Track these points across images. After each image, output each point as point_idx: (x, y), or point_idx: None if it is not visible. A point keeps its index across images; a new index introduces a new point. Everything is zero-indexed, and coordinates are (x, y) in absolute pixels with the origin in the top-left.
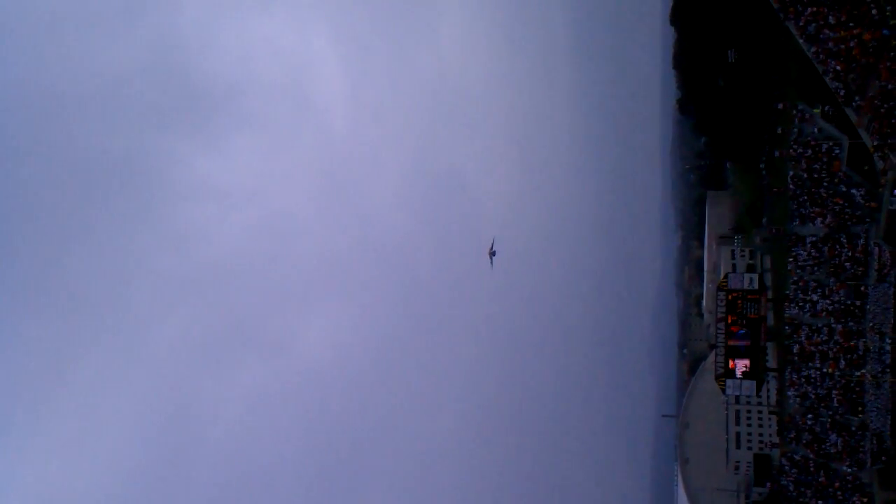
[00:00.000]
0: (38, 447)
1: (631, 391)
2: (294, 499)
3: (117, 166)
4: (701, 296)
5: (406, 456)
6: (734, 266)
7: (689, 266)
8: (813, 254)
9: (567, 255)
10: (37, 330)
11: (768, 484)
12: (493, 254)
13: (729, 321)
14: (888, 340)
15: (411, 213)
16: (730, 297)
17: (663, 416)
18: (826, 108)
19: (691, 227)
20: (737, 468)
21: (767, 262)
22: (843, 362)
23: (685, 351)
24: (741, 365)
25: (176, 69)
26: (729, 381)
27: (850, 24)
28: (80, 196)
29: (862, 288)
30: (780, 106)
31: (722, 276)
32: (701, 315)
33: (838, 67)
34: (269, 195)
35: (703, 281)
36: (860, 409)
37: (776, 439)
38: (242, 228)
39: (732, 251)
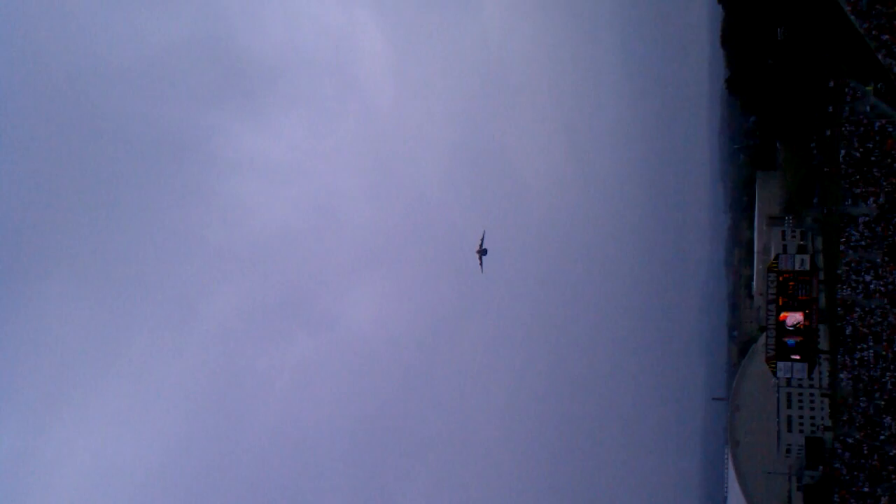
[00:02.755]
0: (93, 420)
1: (680, 374)
2: (339, 472)
3: (167, 141)
4: (751, 277)
5: (451, 435)
6: (785, 247)
7: (739, 248)
8: (865, 234)
9: (613, 238)
10: (89, 305)
11: (821, 467)
12: (482, 252)
13: (780, 303)
14: None
15: (457, 190)
16: (781, 278)
17: (713, 399)
18: (878, 85)
19: (741, 209)
20: (788, 452)
21: (819, 243)
22: None
23: (735, 333)
24: (793, 347)
25: (223, 44)
26: (780, 364)
27: None
28: (130, 171)
29: None
30: (832, 84)
31: (772, 258)
32: (751, 297)
33: (891, 43)
34: (315, 171)
35: (753, 262)
36: None
37: (828, 422)
38: (289, 204)
39: (783, 232)
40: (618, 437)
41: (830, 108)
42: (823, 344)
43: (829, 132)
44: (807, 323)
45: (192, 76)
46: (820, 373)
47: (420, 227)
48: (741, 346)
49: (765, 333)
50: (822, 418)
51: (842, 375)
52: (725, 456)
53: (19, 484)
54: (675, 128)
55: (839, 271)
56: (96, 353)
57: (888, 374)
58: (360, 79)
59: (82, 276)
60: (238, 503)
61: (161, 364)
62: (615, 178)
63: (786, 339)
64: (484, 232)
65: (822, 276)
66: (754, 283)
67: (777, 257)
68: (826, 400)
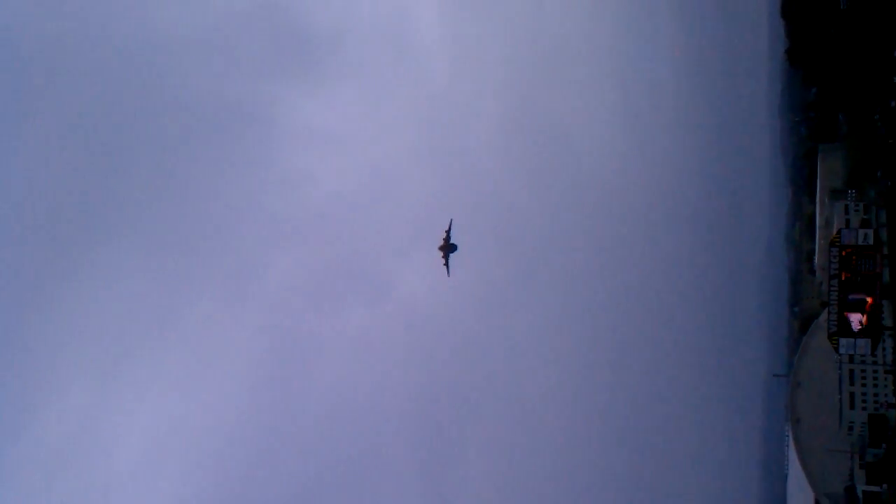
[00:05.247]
0: (156, 381)
1: (740, 351)
2: (396, 435)
3: (228, 110)
4: (813, 252)
5: (505, 408)
6: (848, 221)
7: (801, 222)
8: None
9: (671, 214)
10: (154, 270)
11: (884, 445)
12: (449, 248)
13: (843, 278)
14: None
15: (509, 160)
16: (843, 253)
17: (774, 375)
18: None
19: (802, 182)
20: (851, 429)
21: (883, 217)
22: None
23: (796, 309)
24: (856, 323)
25: (282, 15)
26: (843, 340)
27: None
28: (192, 140)
29: None
30: None
31: (835, 232)
32: (813, 272)
33: None
34: (370, 140)
35: (815, 237)
36: None
37: (892, 399)
38: (345, 172)
39: (846, 206)
40: (678, 414)
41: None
42: (887, 320)
43: (893, 103)
44: (870, 300)
45: (251, 47)
46: (884, 349)
47: (473, 196)
48: (802, 322)
49: (827, 309)
50: (886, 395)
51: None
52: (786, 433)
53: (87, 440)
54: (734, 101)
55: None
56: (160, 317)
57: None
58: (415, 49)
59: (147, 243)
60: (296, 462)
61: (222, 328)
62: (673, 154)
63: (848, 315)
64: (451, 221)
65: (886, 251)
66: (816, 257)
67: (839, 232)
68: (890, 376)
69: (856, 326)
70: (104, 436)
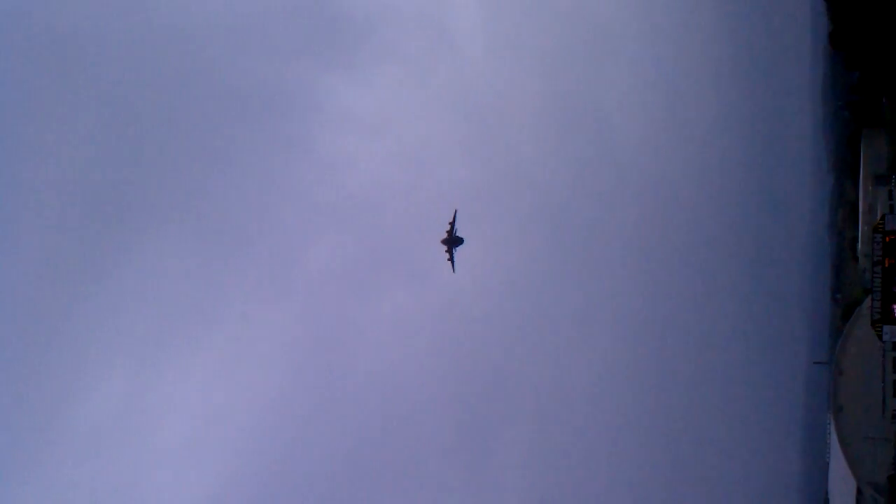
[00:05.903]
0: (198, 367)
1: (780, 338)
2: (436, 421)
3: (266, 95)
4: (856, 239)
5: (545, 391)
6: (892, 207)
7: (843, 208)
8: None
9: (711, 200)
10: (194, 255)
11: None
12: (454, 242)
13: (886, 265)
14: None
15: (547, 144)
16: (887, 239)
17: (815, 363)
18: None
19: (845, 167)
20: (894, 417)
21: None
22: None
23: (838, 296)
24: None
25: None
26: (886, 328)
27: None
28: (231, 124)
29: None
30: None
31: (879, 218)
32: (856, 259)
33: None
34: (407, 124)
35: (857, 223)
36: None
37: None
38: (383, 157)
39: (890, 191)
40: (716, 403)
41: None
42: None
43: None
44: None
45: (289, 31)
46: None
47: (511, 180)
48: (845, 310)
49: (870, 296)
50: None
51: None
52: (828, 422)
53: (129, 426)
54: (776, 85)
55: None
56: (201, 302)
57: None
58: (452, 32)
59: (188, 228)
60: (336, 449)
61: (262, 313)
62: (712, 139)
63: (893, 306)
64: (456, 213)
65: None
66: (859, 244)
67: (883, 217)
68: None
69: None
70: (147, 418)
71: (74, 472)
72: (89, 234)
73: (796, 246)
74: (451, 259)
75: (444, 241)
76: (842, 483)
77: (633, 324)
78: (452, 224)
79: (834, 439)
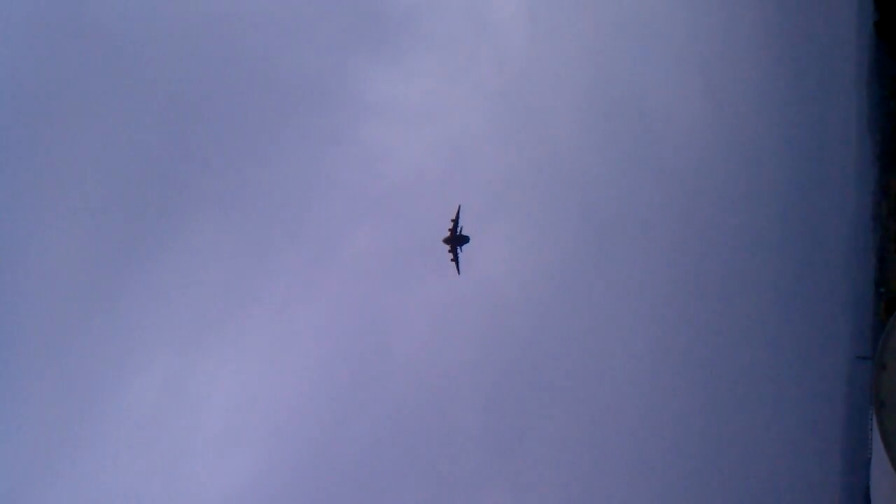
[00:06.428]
0: (237, 354)
1: (823, 332)
2: (474, 413)
3: (306, 85)
4: None
5: (579, 391)
6: None
7: (887, 200)
8: None
9: (752, 191)
10: (234, 243)
11: None
12: (458, 240)
13: None
14: None
15: (590, 135)
16: None
17: (857, 357)
18: None
19: (890, 158)
20: None
21: None
22: None
23: (882, 290)
24: None
25: None
26: None
27: None
28: (271, 114)
29: None
30: None
31: None
32: None
33: None
34: (448, 115)
35: None
36: None
37: None
38: (423, 147)
39: None
40: (756, 397)
41: None
42: None
43: None
44: None
45: (330, 21)
46: None
47: (551, 171)
48: (888, 303)
49: None
50: None
51: None
52: (870, 417)
53: (169, 412)
54: (820, 75)
55: None
56: (239, 290)
57: None
58: (494, 22)
59: (229, 218)
60: (374, 439)
61: (301, 302)
62: (756, 130)
63: None
64: (459, 208)
65: None
66: None
67: None
68: None
69: None
70: (187, 405)
71: (115, 460)
72: (133, 223)
73: (840, 239)
74: (456, 260)
75: (447, 241)
76: (884, 478)
77: (672, 318)
78: (456, 221)
79: (876, 435)
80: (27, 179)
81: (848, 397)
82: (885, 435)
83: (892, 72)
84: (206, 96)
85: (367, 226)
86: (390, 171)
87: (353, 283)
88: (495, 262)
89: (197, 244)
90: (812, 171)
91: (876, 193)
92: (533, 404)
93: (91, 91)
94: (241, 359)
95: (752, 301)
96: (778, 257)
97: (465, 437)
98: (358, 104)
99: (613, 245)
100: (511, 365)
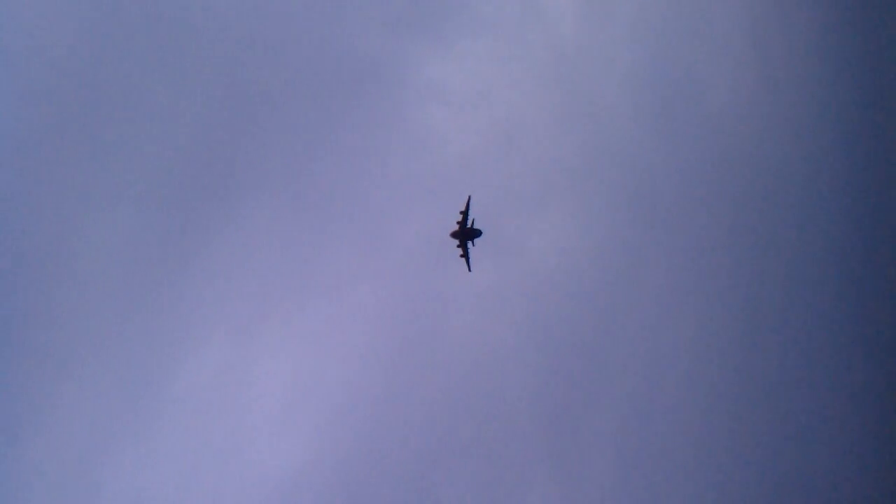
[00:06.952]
0: (293, 337)
1: (893, 334)
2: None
3: (359, 69)
4: None
5: (629, 368)
6: None
7: None
8: None
9: (812, 178)
10: (288, 227)
11: None
12: (468, 234)
13: None
14: None
15: (642, 118)
16: None
17: None
18: None
19: None
20: None
21: None
22: None
23: None
24: None
25: None
26: None
27: None
28: (324, 98)
29: None
30: None
31: None
32: None
33: None
34: (499, 98)
35: None
36: None
37: None
38: (475, 130)
39: None
40: (824, 398)
41: None
42: None
43: None
44: None
45: (381, 3)
46: None
47: (603, 154)
48: None
49: None
50: None
51: None
52: None
53: (226, 393)
54: (880, 57)
55: None
56: (295, 272)
57: None
58: (544, 4)
59: (283, 202)
60: (426, 420)
61: (355, 284)
62: (814, 112)
63: None
64: (469, 199)
65: None
66: None
67: None
68: None
69: None
70: (242, 389)
71: (173, 440)
72: (194, 205)
73: None
74: (466, 255)
75: (456, 235)
76: None
77: (728, 304)
78: (465, 214)
79: None
80: (90, 159)
81: None
82: None
83: None
84: (264, 80)
85: (420, 208)
86: (442, 154)
87: (405, 265)
88: (547, 244)
89: (254, 227)
90: (879, 169)
91: None
92: (583, 386)
93: (155, 73)
94: (297, 340)
95: (819, 301)
96: (847, 257)
97: (515, 417)
98: (410, 88)
99: (666, 229)
100: (561, 347)
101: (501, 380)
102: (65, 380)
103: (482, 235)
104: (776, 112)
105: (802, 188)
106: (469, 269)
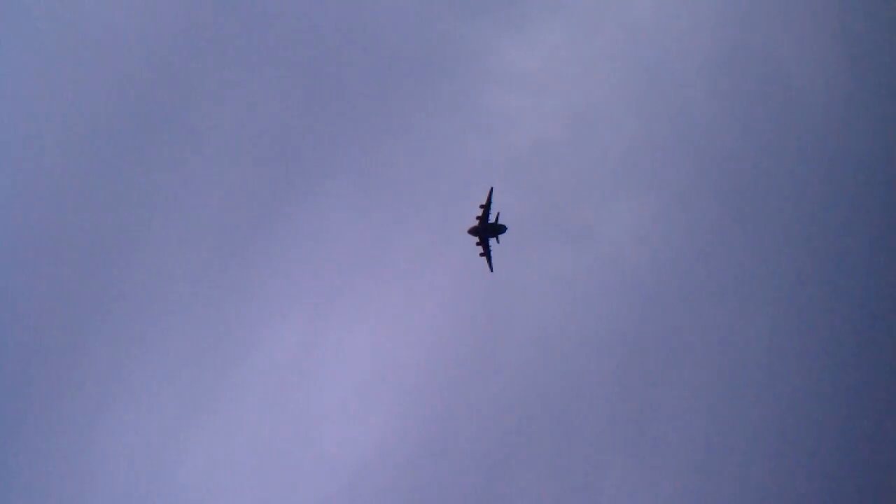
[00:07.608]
0: (367, 318)
1: None
2: (595, 384)
3: (431, 53)
4: None
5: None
6: None
7: None
8: None
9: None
10: (362, 211)
11: None
12: (490, 230)
13: None
14: None
15: (723, 104)
16: None
17: None
18: None
19: None
20: None
21: None
22: None
23: None
24: None
25: None
26: None
27: None
28: (397, 83)
29: None
30: None
31: None
32: None
33: None
34: (573, 81)
35: None
36: None
37: None
38: (548, 116)
39: None
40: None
41: None
42: None
43: None
44: None
45: None
46: None
47: (681, 141)
48: None
49: None
50: None
51: None
52: None
53: (301, 374)
54: None
55: None
56: (369, 256)
57: None
58: None
59: (356, 185)
60: (499, 405)
61: (426, 267)
62: None
63: None
64: (491, 191)
65: None
66: None
67: None
68: None
69: None
70: (319, 367)
71: (248, 419)
72: (272, 187)
73: None
74: (487, 254)
75: (474, 231)
76: None
77: (808, 297)
78: (486, 208)
79: None
80: (167, 142)
81: None
82: None
83: None
84: (333, 65)
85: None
86: (514, 139)
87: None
88: (623, 233)
89: (330, 209)
90: None
91: None
92: (659, 374)
93: (229, 64)
94: (370, 323)
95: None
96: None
97: (590, 403)
98: (482, 72)
99: (746, 218)
100: (637, 335)
101: (577, 367)
102: (146, 354)
103: (506, 232)
104: (864, 101)
105: (885, 179)
106: (491, 270)
